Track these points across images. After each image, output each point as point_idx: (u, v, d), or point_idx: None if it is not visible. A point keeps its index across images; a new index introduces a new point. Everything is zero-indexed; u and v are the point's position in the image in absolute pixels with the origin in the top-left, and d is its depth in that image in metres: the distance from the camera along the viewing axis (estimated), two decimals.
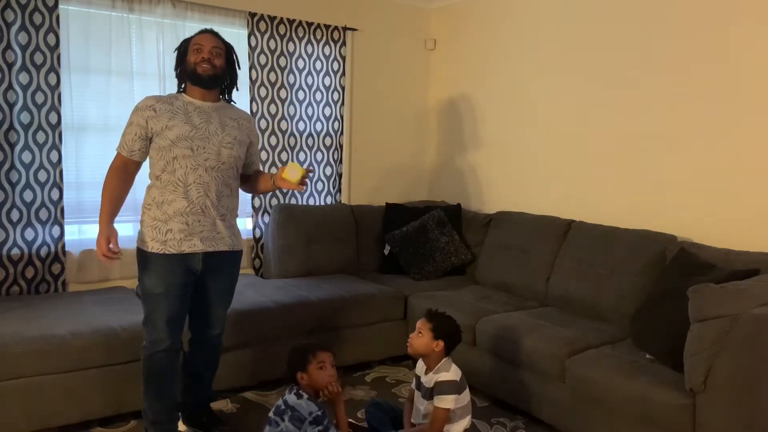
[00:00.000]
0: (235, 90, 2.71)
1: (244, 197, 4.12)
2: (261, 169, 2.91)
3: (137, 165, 2.56)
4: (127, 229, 3.73)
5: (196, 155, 2.48)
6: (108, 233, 2.43)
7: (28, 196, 3.34)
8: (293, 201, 4.33)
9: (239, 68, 2.68)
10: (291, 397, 2.31)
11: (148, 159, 2.55)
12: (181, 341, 2.59)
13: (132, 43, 3.64)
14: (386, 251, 4.21)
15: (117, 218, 3.61)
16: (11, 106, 3.25)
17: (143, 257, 2.52)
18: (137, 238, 2.57)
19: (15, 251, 3.33)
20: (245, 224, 4.18)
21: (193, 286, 2.59)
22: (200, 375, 2.78)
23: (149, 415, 2.56)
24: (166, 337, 2.50)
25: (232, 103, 2.70)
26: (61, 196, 3.42)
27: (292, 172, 2.50)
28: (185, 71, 2.54)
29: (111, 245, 2.40)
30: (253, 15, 4.02)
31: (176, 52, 2.61)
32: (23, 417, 2.62)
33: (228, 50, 2.60)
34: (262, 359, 3.25)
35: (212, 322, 2.71)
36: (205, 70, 2.49)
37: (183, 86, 2.60)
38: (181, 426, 2.78)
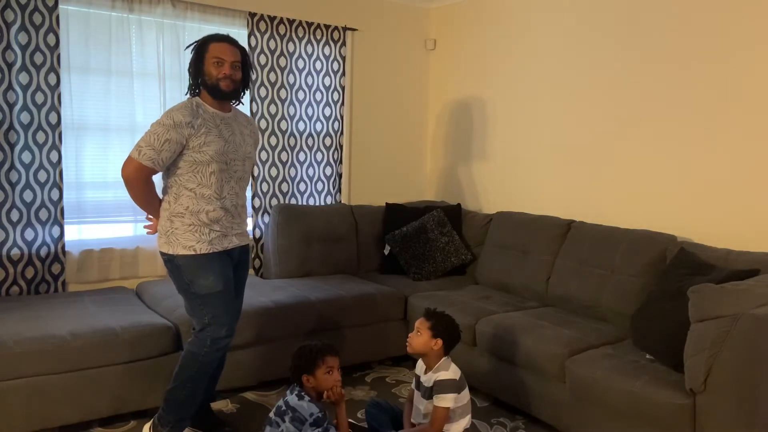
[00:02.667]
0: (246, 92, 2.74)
1: None
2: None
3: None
4: (126, 229, 3.73)
5: (229, 169, 2.54)
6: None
7: (28, 196, 3.34)
8: (293, 201, 4.33)
9: (252, 70, 2.69)
10: (292, 398, 2.31)
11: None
12: None
13: (132, 43, 3.64)
14: (386, 251, 4.20)
15: (117, 218, 3.66)
16: (11, 106, 3.25)
17: (193, 261, 2.49)
18: (172, 246, 2.50)
19: (15, 251, 3.33)
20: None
21: None
22: (214, 372, 2.76)
23: (180, 413, 2.55)
24: (229, 332, 2.58)
25: (241, 104, 2.76)
26: (61, 196, 3.42)
27: None
28: (204, 82, 2.52)
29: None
30: (253, 15, 4.02)
31: (192, 53, 2.56)
32: (23, 417, 2.62)
33: (243, 57, 2.61)
34: (262, 359, 3.24)
35: (234, 315, 2.74)
36: (227, 87, 2.51)
37: (197, 91, 2.58)
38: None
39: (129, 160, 2.44)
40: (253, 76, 4.06)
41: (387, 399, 2.89)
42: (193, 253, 2.48)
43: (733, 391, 2.21)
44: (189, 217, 2.50)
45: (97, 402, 2.78)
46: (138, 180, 2.45)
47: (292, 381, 2.39)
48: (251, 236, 4.17)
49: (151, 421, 2.63)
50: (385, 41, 4.70)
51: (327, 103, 4.41)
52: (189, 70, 2.57)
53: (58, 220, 3.43)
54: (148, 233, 2.70)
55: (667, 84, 3.36)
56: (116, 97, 3.61)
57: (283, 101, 4.20)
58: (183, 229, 2.49)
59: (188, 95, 2.60)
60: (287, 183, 4.28)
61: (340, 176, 4.54)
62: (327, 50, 4.37)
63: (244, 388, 3.25)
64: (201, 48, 2.53)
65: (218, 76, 2.49)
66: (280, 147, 4.22)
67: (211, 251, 2.51)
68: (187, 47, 2.61)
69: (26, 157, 3.32)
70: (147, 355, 2.87)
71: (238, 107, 2.74)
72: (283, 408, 2.31)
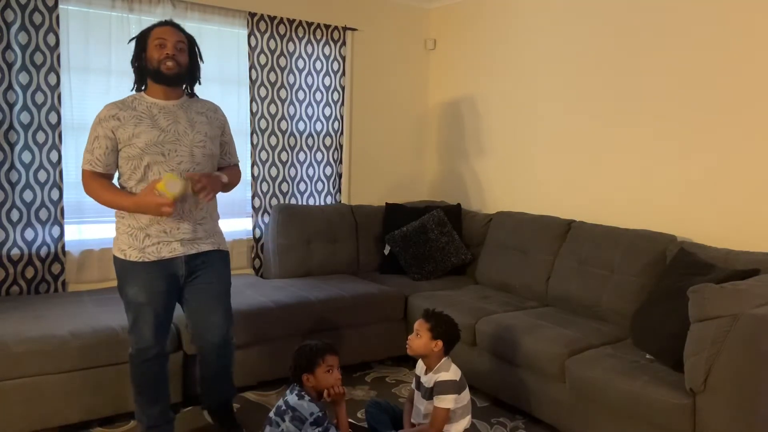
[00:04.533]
0: (197, 84, 2.57)
1: (245, 197, 4.14)
2: (237, 158, 2.75)
3: (111, 177, 2.45)
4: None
5: (168, 160, 2.37)
6: (144, 193, 2.29)
7: (28, 196, 3.34)
8: (293, 201, 4.33)
9: (202, 61, 2.53)
10: (292, 398, 2.32)
11: None
12: (167, 345, 2.57)
13: (132, 43, 3.63)
14: (386, 251, 4.21)
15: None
16: (11, 106, 3.25)
17: (122, 266, 2.42)
18: (114, 246, 2.47)
19: (15, 251, 3.33)
20: (245, 224, 4.18)
21: (178, 292, 2.52)
22: (214, 380, 2.73)
23: (144, 420, 2.55)
24: (153, 344, 2.47)
25: (195, 96, 2.58)
26: (61, 196, 3.42)
27: (171, 186, 2.23)
28: (146, 68, 2.39)
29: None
30: (253, 15, 4.02)
31: (133, 44, 2.44)
32: (23, 417, 2.62)
33: (190, 43, 2.48)
34: (263, 359, 3.25)
35: (209, 326, 2.58)
36: (169, 69, 2.36)
37: (143, 85, 2.46)
38: (206, 416, 2.81)
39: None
40: (253, 76, 4.06)
41: (387, 399, 2.89)
42: (123, 257, 2.41)
43: (733, 391, 2.21)
44: (129, 218, 2.41)
45: (97, 402, 2.78)
46: (89, 187, 2.39)
47: (292, 381, 2.39)
48: (251, 236, 4.17)
49: None
50: (385, 41, 4.70)
51: (327, 103, 4.41)
52: (132, 63, 2.44)
53: (58, 220, 3.43)
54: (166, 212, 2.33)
55: (668, 84, 3.35)
56: (116, 97, 3.50)
57: (283, 101, 4.20)
58: (122, 230, 2.43)
59: (133, 91, 2.49)
60: (287, 183, 4.28)
61: (340, 176, 4.54)
62: (327, 50, 4.37)
63: (244, 388, 3.24)
64: (143, 36, 2.41)
65: (160, 58, 2.35)
66: (280, 147, 4.22)
67: (141, 260, 2.39)
68: (130, 40, 2.47)
69: (26, 157, 3.32)
70: None
71: (195, 98, 2.57)
72: (283, 408, 2.31)
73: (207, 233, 2.53)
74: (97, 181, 2.39)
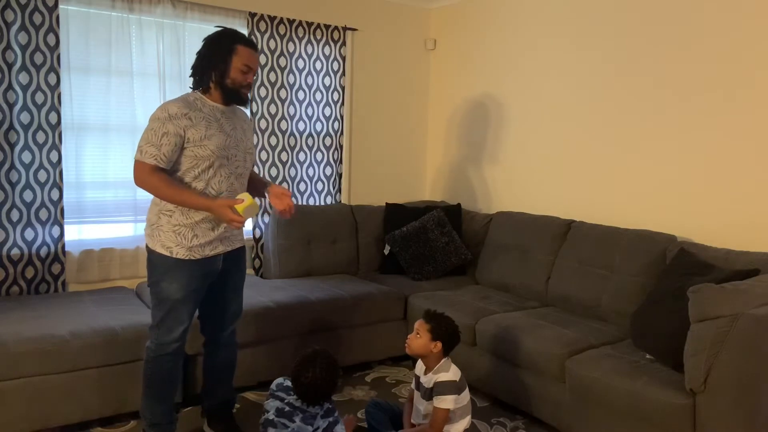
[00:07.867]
0: None
1: None
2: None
3: (168, 173, 2.44)
4: (126, 229, 3.74)
5: (230, 164, 2.46)
6: (219, 205, 2.35)
7: (28, 196, 3.34)
8: (293, 201, 4.32)
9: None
10: (297, 401, 2.35)
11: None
12: (186, 343, 2.59)
13: (132, 43, 3.64)
14: (386, 251, 4.21)
15: (117, 218, 3.67)
16: (11, 106, 3.25)
17: (165, 263, 2.43)
18: (155, 242, 2.46)
19: (15, 251, 3.33)
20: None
21: (207, 289, 2.59)
22: (219, 375, 2.77)
23: (148, 416, 2.55)
24: (178, 340, 2.50)
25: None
26: (61, 196, 3.42)
27: (249, 212, 2.36)
28: (222, 82, 2.42)
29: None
30: (253, 15, 4.02)
31: (212, 45, 2.43)
32: (23, 417, 2.62)
33: None
34: (262, 359, 3.25)
35: (228, 319, 2.71)
36: (247, 96, 2.50)
37: (206, 86, 2.46)
38: (206, 428, 2.80)
39: (135, 165, 2.38)
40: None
41: (387, 399, 2.89)
42: (168, 254, 2.42)
43: (733, 391, 2.21)
44: (178, 215, 2.41)
45: (97, 402, 2.78)
46: (149, 181, 2.35)
47: (297, 391, 2.38)
48: (251, 236, 4.17)
49: None
50: (385, 41, 4.70)
51: (327, 103, 4.41)
52: (203, 61, 2.43)
53: (58, 220, 3.43)
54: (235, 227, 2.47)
55: (668, 85, 3.35)
56: (116, 97, 3.61)
57: (283, 101, 4.20)
58: (167, 228, 2.42)
59: (191, 89, 2.50)
60: (287, 183, 4.28)
61: (340, 176, 4.54)
62: (327, 50, 4.37)
63: (244, 388, 3.25)
64: (229, 46, 2.42)
65: (243, 83, 2.44)
66: (280, 147, 4.22)
67: (187, 258, 2.42)
68: (206, 38, 2.46)
69: (26, 157, 3.32)
70: None
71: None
72: (288, 409, 2.34)
73: (239, 230, 2.63)
74: (160, 176, 2.36)
